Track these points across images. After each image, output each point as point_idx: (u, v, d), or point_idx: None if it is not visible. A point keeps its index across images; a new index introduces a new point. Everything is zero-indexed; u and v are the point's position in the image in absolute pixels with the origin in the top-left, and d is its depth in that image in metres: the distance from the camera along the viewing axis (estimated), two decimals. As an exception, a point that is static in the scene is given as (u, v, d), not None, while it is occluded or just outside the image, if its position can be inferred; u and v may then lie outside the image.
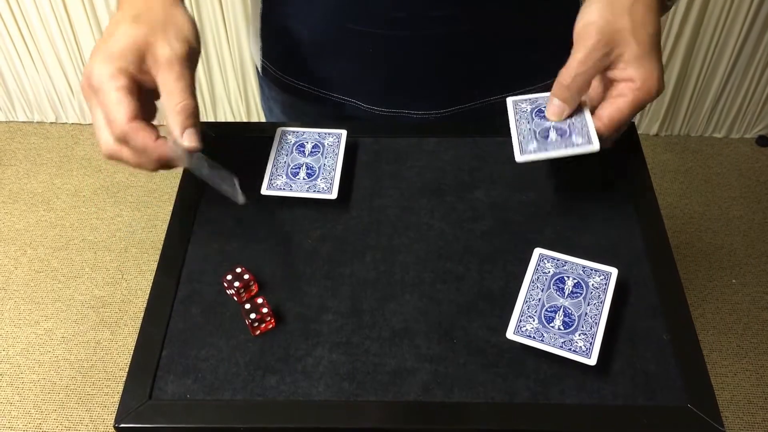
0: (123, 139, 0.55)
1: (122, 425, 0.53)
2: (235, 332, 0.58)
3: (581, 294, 0.57)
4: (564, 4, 0.75)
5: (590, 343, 0.54)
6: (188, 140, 0.56)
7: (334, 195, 0.65)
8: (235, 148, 0.72)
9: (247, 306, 0.57)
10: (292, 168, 0.67)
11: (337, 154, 0.68)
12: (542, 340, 0.55)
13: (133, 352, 0.57)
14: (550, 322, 0.56)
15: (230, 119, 2.12)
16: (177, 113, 0.55)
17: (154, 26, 0.55)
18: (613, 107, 0.58)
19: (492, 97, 0.78)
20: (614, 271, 0.58)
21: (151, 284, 0.61)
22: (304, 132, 0.70)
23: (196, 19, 1.87)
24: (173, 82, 0.55)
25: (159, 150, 0.56)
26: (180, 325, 0.58)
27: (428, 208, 0.66)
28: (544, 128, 0.61)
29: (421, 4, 0.69)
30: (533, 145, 0.60)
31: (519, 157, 0.60)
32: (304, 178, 0.66)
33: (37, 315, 1.70)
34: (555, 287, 0.58)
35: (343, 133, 0.69)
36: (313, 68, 0.79)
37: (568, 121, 0.61)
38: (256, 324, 0.57)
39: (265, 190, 0.65)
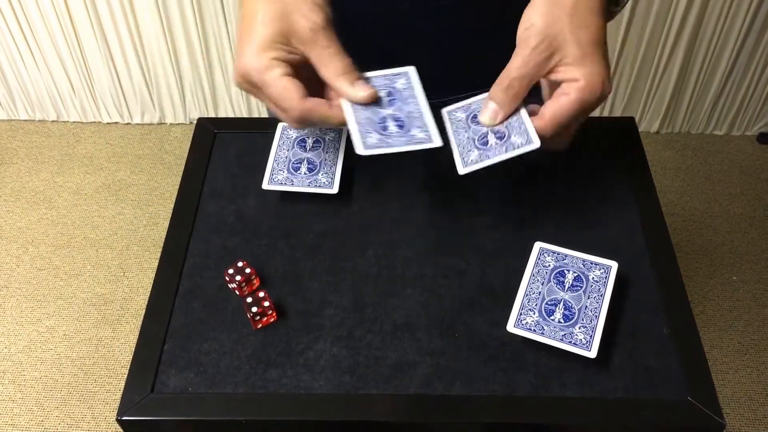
0: (302, 121, 0.58)
1: (125, 418, 0.53)
2: (236, 326, 0.58)
3: (581, 287, 0.57)
4: None
5: (590, 336, 0.54)
6: (363, 94, 0.59)
7: (335, 190, 0.65)
8: (237, 143, 0.72)
9: (249, 300, 0.57)
10: (293, 163, 0.67)
11: (338, 149, 0.68)
12: (542, 333, 0.55)
13: (136, 346, 0.57)
14: (551, 315, 0.56)
15: (231, 115, 2.12)
16: (338, 77, 0.57)
17: (286, 4, 0.56)
18: (556, 105, 0.57)
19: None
20: (614, 265, 0.58)
21: (152, 282, 0.61)
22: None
23: (197, 16, 1.87)
24: (322, 52, 0.57)
25: (337, 117, 0.59)
26: (182, 319, 0.58)
27: (430, 203, 0.66)
28: (482, 134, 0.60)
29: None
30: (474, 154, 0.59)
31: (462, 170, 0.58)
32: (305, 173, 0.66)
33: (38, 312, 1.71)
34: (555, 281, 0.58)
35: (344, 128, 0.69)
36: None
37: (505, 122, 0.59)
38: (258, 318, 0.57)
39: (266, 185, 0.65)
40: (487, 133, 0.59)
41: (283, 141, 0.69)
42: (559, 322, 0.55)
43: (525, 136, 0.57)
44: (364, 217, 0.65)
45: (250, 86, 0.58)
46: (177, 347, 0.57)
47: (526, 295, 0.57)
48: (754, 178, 1.99)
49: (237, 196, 0.67)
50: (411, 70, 0.63)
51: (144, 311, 0.59)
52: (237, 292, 0.59)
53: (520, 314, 0.56)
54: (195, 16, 1.88)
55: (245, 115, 2.12)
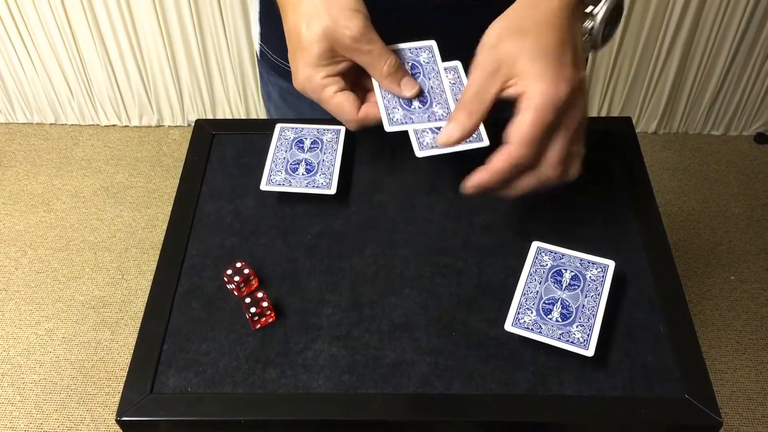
0: (361, 127, 0.63)
1: (124, 419, 0.53)
2: (235, 326, 0.58)
3: (579, 286, 0.58)
4: None
5: (588, 335, 0.55)
6: (407, 91, 0.62)
7: (333, 190, 0.65)
8: (235, 144, 0.72)
9: (248, 300, 0.57)
10: (291, 163, 0.67)
11: (335, 150, 0.68)
12: (540, 332, 0.55)
13: (135, 347, 0.57)
14: (548, 314, 0.56)
15: (229, 117, 2.12)
16: (384, 77, 0.61)
17: (324, 18, 0.59)
18: (515, 127, 0.55)
19: None
20: (611, 264, 0.59)
21: (151, 284, 0.61)
22: (302, 128, 0.70)
23: (195, 18, 1.87)
24: (365, 57, 0.60)
25: None
26: (181, 320, 0.59)
27: (427, 202, 0.66)
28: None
29: None
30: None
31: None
32: (303, 174, 0.66)
33: (37, 315, 1.71)
34: (553, 280, 0.58)
35: (342, 128, 0.70)
36: None
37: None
38: (257, 318, 0.57)
39: (264, 186, 0.66)
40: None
41: (281, 142, 0.69)
42: (557, 321, 0.56)
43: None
44: (361, 218, 0.65)
45: (311, 95, 0.62)
46: (176, 347, 0.57)
47: (523, 294, 0.57)
48: (752, 178, 1.99)
49: (235, 197, 0.68)
50: (433, 44, 0.65)
51: (143, 313, 0.59)
52: (236, 293, 0.59)
53: (518, 313, 0.56)
54: (192, 19, 1.88)
55: (243, 117, 2.12)
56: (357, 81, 0.63)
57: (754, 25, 1.84)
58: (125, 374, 0.56)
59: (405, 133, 0.72)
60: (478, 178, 0.57)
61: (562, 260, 0.59)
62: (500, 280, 0.60)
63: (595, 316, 0.56)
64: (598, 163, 0.68)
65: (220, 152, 0.72)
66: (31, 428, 1.52)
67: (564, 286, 0.58)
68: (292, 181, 0.66)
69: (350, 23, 0.58)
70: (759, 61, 1.92)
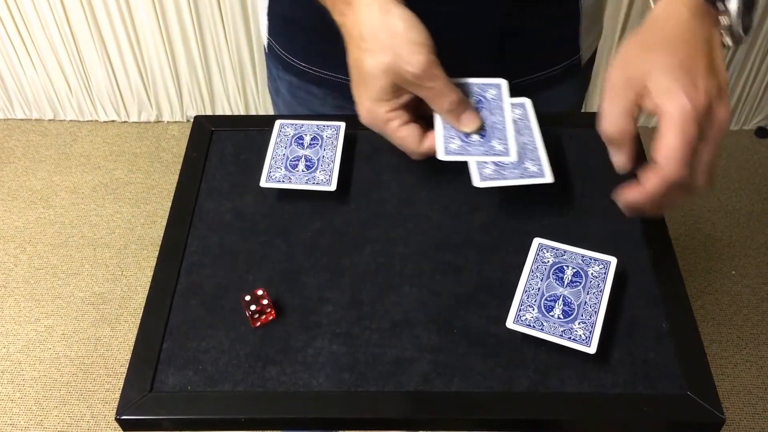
0: (425, 158, 0.63)
1: (123, 417, 0.53)
2: (235, 324, 0.58)
3: (580, 283, 0.57)
4: (564, 1, 0.76)
5: (590, 332, 0.54)
6: (467, 126, 0.62)
7: (333, 187, 0.65)
8: (234, 140, 0.72)
9: (247, 298, 0.57)
10: (290, 160, 0.67)
11: (335, 146, 0.68)
12: (542, 329, 0.55)
13: (134, 345, 0.57)
14: (550, 311, 0.56)
15: (228, 113, 2.11)
16: (445, 113, 0.61)
17: (387, 54, 0.58)
18: (662, 149, 0.53)
19: None
20: (613, 260, 0.58)
21: (150, 280, 0.61)
22: (302, 124, 0.70)
23: (194, 14, 1.87)
24: (428, 92, 0.60)
25: None
26: (180, 318, 0.58)
27: (427, 199, 0.66)
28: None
29: None
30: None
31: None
32: (303, 170, 0.66)
33: (37, 312, 1.70)
34: (554, 276, 0.58)
35: (342, 125, 0.69)
36: (318, 49, 0.79)
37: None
38: (256, 316, 0.57)
39: (264, 183, 0.65)
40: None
41: (280, 138, 0.69)
42: (559, 318, 0.55)
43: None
44: (361, 215, 0.65)
45: (375, 127, 0.62)
46: (176, 345, 0.57)
47: (525, 291, 0.57)
48: (752, 172, 1.99)
49: (235, 193, 0.67)
50: (503, 83, 0.65)
51: (142, 309, 0.59)
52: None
53: (520, 310, 0.56)
54: (191, 14, 1.87)
55: (242, 113, 2.12)
56: (421, 108, 0.63)
57: (756, 20, 1.83)
58: (125, 371, 0.55)
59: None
60: (632, 199, 0.56)
61: (564, 257, 0.59)
62: (500, 277, 0.60)
63: (597, 312, 0.55)
64: (599, 158, 0.68)
65: (220, 148, 0.72)
66: (31, 425, 1.52)
67: (566, 283, 0.57)
68: (291, 177, 0.65)
69: (414, 59, 0.58)
70: (760, 55, 1.92)
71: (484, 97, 0.65)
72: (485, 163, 0.61)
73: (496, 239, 0.63)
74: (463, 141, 0.62)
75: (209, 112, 2.13)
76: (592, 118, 0.84)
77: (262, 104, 2.09)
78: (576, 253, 0.59)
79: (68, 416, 1.53)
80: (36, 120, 2.18)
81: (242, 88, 2.05)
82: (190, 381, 0.55)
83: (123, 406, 0.53)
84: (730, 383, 1.56)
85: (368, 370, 0.55)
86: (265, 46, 0.87)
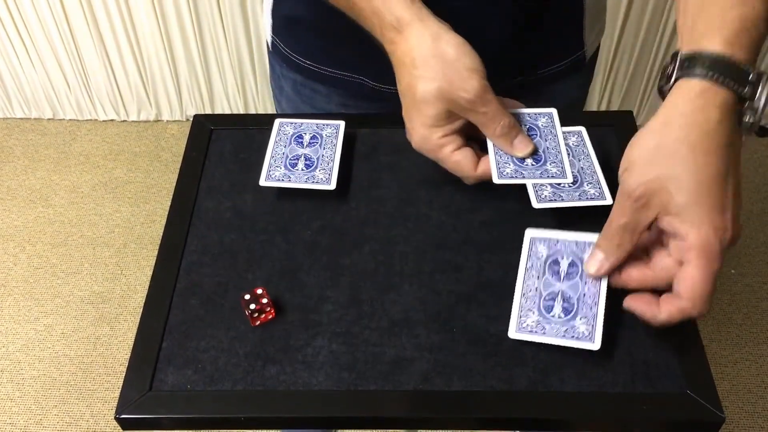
0: (479, 182, 0.63)
1: (123, 416, 0.53)
2: (234, 323, 0.58)
3: (577, 273, 0.57)
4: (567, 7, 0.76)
5: (592, 327, 0.54)
6: (520, 151, 0.62)
7: (332, 186, 0.65)
8: (234, 139, 0.72)
9: (247, 296, 0.57)
10: (290, 159, 0.67)
11: (335, 145, 0.68)
12: (544, 333, 0.55)
13: (134, 344, 0.57)
14: (550, 312, 0.56)
15: (228, 112, 2.11)
16: (497, 137, 0.62)
17: (440, 80, 0.58)
18: (687, 282, 0.51)
19: (496, 82, 0.78)
20: None
21: (150, 279, 0.61)
22: (302, 123, 0.70)
23: (193, 13, 1.87)
24: (481, 118, 0.60)
25: None
26: (180, 317, 0.58)
27: (427, 198, 0.66)
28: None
29: None
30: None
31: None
32: (302, 169, 0.66)
33: (36, 311, 1.70)
34: (550, 271, 0.58)
35: (341, 123, 0.69)
36: (322, 46, 0.79)
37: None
38: (256, 315, 0.57)
39: (263, 182, 0.65)
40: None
41: (280, 137, 0.69)
42: (560, 317, 0.55)
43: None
44: (361, 213, 0.65)
45: (428, 152, 0.62)
46: (175, 345, 0.57)
47: (523, 294, 0.57)
48: (752, 171, 1.99)
49: (234, 192, 0.67)
50: (554, 112, 0.66)
51: (142, 309, 0.59)
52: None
53: (520, 317, 0.56)
54: (191, 12, 1.87)
55: (242, 112, 2.11)
56: (474, 132, 0.63)
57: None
58: (125, 370, 0.55)
59: (405, 130, 0.72)
60: (642, 315, 0.53)
61: (557, 246, 0.59)
62: (500, 276, 0.60)
63: (597, 304, 0.55)
64: (598, 158, 0.68)
65: (219, 147, 0.71)
66: (31, 424, 1.52)
67: (562, 277, 0.57)
68: (291, 176, 0.65)
69: (467, 85, 0.58)
70: (759, 56, 1.91)
71: (536, 125, 0.66)
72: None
73: (496, 238, 0.63)
74: (516, 165, 0.62)
75: (209, 111, 2.13)
76: (592, 116, 0.84)
77: (261, 103, 2.09)
78: (569, 241, 0.59)
79: (68, 415, 1.53)
80: (35, 119, 2.18)
81: (241, 86, 2.05)
82: (189, 380, 0.55)
83: (122, 405, 0.53)
84: (730, 382, 1.56)
85: (368, 369, 0.55)
86: (269, 45, 0.87)
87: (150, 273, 0.61)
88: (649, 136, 0.53)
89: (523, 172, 0.62)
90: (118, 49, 1.98)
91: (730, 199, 0.51)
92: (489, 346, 0.56)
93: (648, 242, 0.55)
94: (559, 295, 0.56)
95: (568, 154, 0.64)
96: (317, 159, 0.67)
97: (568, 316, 0.55)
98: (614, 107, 2.05)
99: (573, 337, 0.54)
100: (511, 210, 0.65)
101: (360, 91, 0.80)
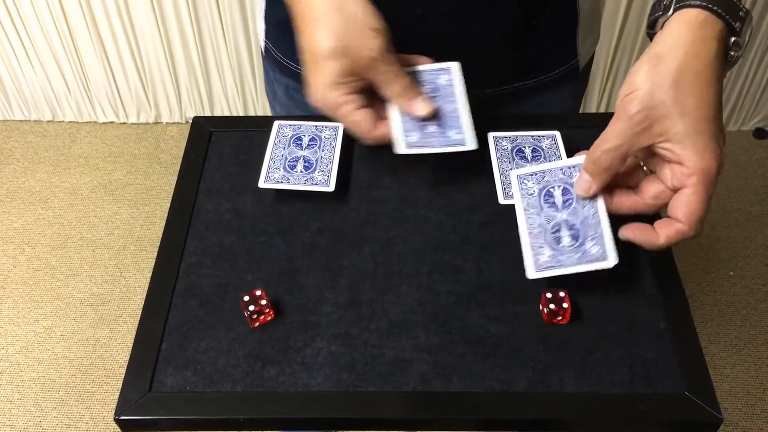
0: (377, 143, 0.64)
1: (122, 417, 0.53)
2: (234, 324, 0.58)
3: (572, 199, 0.57)
4: (562, 6, 0.76)
5: (602, 245, 0.55)
6: (420, 110, 0.63)
7: (331, 187, 0.65)
8: (233, 141, 0.72)
9: (246, 298, 0.57)
10: (289, 161, 0.67)
11: (334, 147, 0.68)
12: (561, 265, 0.55)
13: (133, 345, 0.57)
14: (560, 243, 0.56)
15: (227, 114, 2.11)
16: (398, 97, 0.62)
17: (343, 37, 0.58)
18: (686, 205, 0.53)
19: (487, 90, 0.78)
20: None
21: (149, 281, 0.61)
22: (301, 125, 0.70)
23: (193, 15, 1.87)
24: (382, 76, 0.61)
25: None
26: (179, 318, 0.58)
27: (426, 199, 0.66)
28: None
29: None
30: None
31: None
32: (301, 171, 0.66)
33: (36, 313, 1.70)
34: (546, 204, 0.58)
35: (340, 125, 0.69)
36: None
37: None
38: (255, 316, 0.57)
39: (262, 183, 0.65)
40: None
41: (279, 139, 0.69)
42: (570, 245, 0.56)
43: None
44: (360, 215, 0.65)
45: (328, 111, 0.62)
46: (174, 346, 0.57)
47: (530, 233, 0.57)
48: (751, 173, 1.99)
49: (233, 194, 0.67)
50: (454, 66, 0.65)
51: (141, 311, 0.59)
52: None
53: (534, 257, 0.56)
54: (190, 14, 1.87)
55: (241, 113, 2.12)
56: (376, 96, 0.63)
57: (754, 20, 1.83)
58: (124, 371, 0.55)
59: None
60: (640, 241, 0.55)
61: (545, 177, 0.59)
62: (500, 277, 0.60)
63: (600, 222, 0.56)
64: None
65: (218, 149, 0.72)
66: (30, 426, 1.52)
67: (560, 206, 0.57)
68: (290, 178, 0.66)
69: (370, 43, 0.59)
70: (758, 55, 1.92)
71: (437, 83, 0.65)
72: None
73: (495, 239, 0.63)
74: (421, 132, 0.62)
75: (208, 113, 2.13)
76: (589, 119, 0.85)
77: (260, 105, 2.09)
78: (555, 169, 0.59)
79: (67, 417, 1.53)
80: (35, 121, 2.18)
81: (241, 88, 2.05)
82: (188, 381, 0.55)
83: (122, 407, 0.53)
84: (729, 384, 1.56)
85: (367, 370, 0.55)
86: (263, 50, 0.87)
87: (149, 275, 0.61)
88: (652, 63, 0.53)
89: (427, 140, 0.62)
90: (118, 51, 1.98)
91: (721, 128, 0.53)
92: (488, 347, 0.56)
93: (631, 173, 0.58)
94: (563, 225, 0.57)
95: (539, 156, 0.64)
96: (316, 161, 0.67)
97: (578, 242, 0.55)
98: (613, 109, 2.06)
99: (588, 260, 0.55)
100: (510, 211, 0.65)
101: None
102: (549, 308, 0.56)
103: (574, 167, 0.58)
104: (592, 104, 2.06)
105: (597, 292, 0.59)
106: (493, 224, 0.64)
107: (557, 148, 0.66)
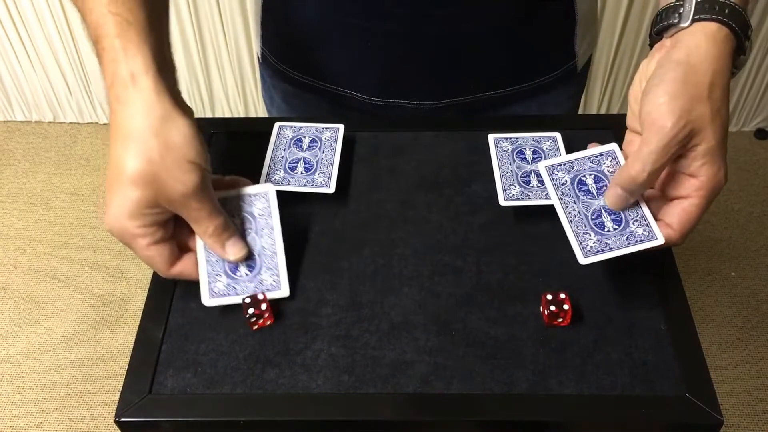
0: (172, 278, 0.58)
1: (123, 419, 0.53)
2: (234, 326, 0.58)
3: (605, 186, 0.58)
4: (560, 8, 0.76)
5: (647, 225, 0.55)
6: (232, 255, 0.58)
7: (332, 189, 0.65)
8: (233, 143, 0.72)
9: (247, 300, 0.57)
10: (289, 162, 0.67)
11: (334, 149, 0.68)
12: (610, 249, 0.55)
13: (133, 347, 0.57)
14: (604, 228, 0.56)
15: (228, 115, 2.12)
16: (209, 237, 0.57)
17: (156, 164, 0.52)
18: (683, 214, 0.54)
19: (486, 93, 0.78)
20: (615, 146, 0.59)
21: (150, 282, 0.61)
22: (301, 126, 0.70)
23: (194, 16, 1.87)
24: (193, 214, 0.55)
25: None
26: (179, 320, 0.58)
27: (426, 201, 0.66)
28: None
29: (423, 2, 0.69)
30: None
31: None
32: (302, 173, 0.66)
33: (37, 314, 1.70)
34: (582, 192, 0.58)
35: (341, 127, 0.69)
36: (311, 59, 0.79)
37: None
38: (254, 319, 0.57)
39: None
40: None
41: (279, 141, 0.69)
42: (615, 229, 0.56)
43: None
44: (360, 217, 0.65)
45: (122, 241, 0.56)
46: (175, 348, 0.57)
47: (570, 222, 0.57)
48: (752, 173, 1.99)
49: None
50: (270, 190, 0.61)
51: (141, 312, 0.59)
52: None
53: (581, 243, 0.56)
54: (191, 16, 1.87)
55: (242, 115, 2.12)
56: (180, 228, 0.58)
57: (754, 20, 1.83)
58: (125, 373, 0.55)
59: (404, 134, 0.72)
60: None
61: (574, 167, 0.59)
62: (500, 279, 0.60)
63: (639, 204, 0.56)
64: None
65: (219, 151, 0.72)
66: (31, 427, 1.52)
67: (596, 193, 0.58)
68: (290, 179, 0.66)
69: (185, 177, 0.52)
70: (759, 56, 1.92)
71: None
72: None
73: (495, 241, 0.63)
74: (229, 278, 0.58)
75: (209, 115, 2.13)
76: (590, 120, 0.85)
77: (261, 107, 2.09)
78: (582, 158, 0.60)
79: (68, 418, 1.53)
80: (36, 122, 2.18)
81: (241, 90, 2.05)
82: (189, 383, 0.55)
83: (122, 408, 0.53)
84: (730, 385, 1.56)
85: (367, 372, 0.55)
86: (259, 57, 0.87)
87: (150, 276, 0.61)
88: (681, 71, 0.52)
89: (236, 286, 0.57)
90: (119, 53, 1.98)
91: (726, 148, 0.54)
92: (488, 349, 0.56)
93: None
94: (603, 211, 0.57)
95: (540, 157, 0.64)
96: (316, 162, 0.67)
97: (622, 226, 0.56)
98: (614, 110, 2.06)
99: (637, 241, 0.55)
100: (510, 213, 0.65)
101: (349, 104, 0.80)
102: (549, 310, 0.56)
103: (601, 155, 0.59)
104: (593, 105, 2.06)
105: (597, 294, 0.59)
106: (494, 226, 0.64)
107: (558, 149, 0.66)
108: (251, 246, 0.59)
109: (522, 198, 0.63)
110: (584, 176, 0.58)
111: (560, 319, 0.56)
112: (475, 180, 0.67)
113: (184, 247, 0.59)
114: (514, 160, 0.66)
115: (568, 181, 0.58)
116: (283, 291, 0.58)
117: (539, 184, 0.63)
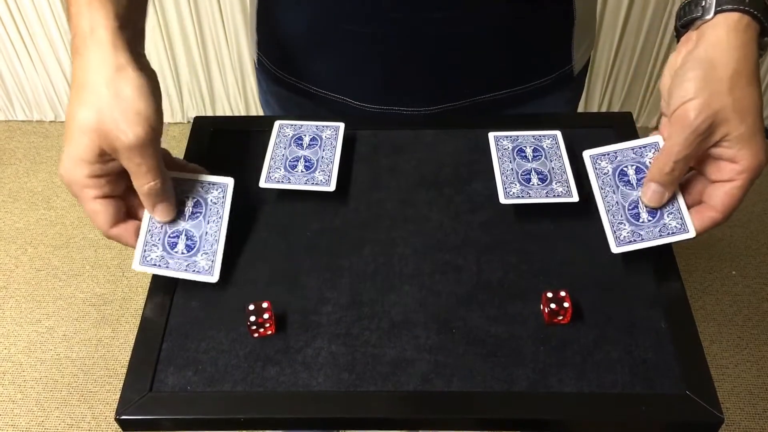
0: (110, 238, 0.59)
1: (123, 417, 0.53)
2: (234, 325, 0.58)
3: (636, 177, 0.59)
4: (558, 10, 0.76)
5: (681, 218, 0.57)
6: (160, 216, 0.60)
7: (332, 187, 0.65)
8: (234, 141, 0.72)
9: (251, 307, 0.56)
10: (290, 161, 0.67)
11: (335, 147, 0.68)
12: (642, 239, 0.57)
13: (134, 345, 0.57)
14: (639, 219, 0.58)
15: (228, 114, 2.12)
16: (144, 195, 0.58)
17: (103, 113, 0.53)
18: (726, 196, 0.56)
19: (482, 96, 0.78)
20: (659, 138, 0.60)
21: (150, 281, 0.61)
22: (302, 125, 0.70)
23: (194, 15, 1.87)
24: (134, 168, 0.56)
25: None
26: (180, 318, 0.58)
27: (426, 200, 0.66)
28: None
29: (421, 6, 0.69)
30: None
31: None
32: (302, 171, 0.66)
33: (38, 313, 1.71)
34: (621, 182, 0.60)
35: (341, 125, 0.69)
36: (306, 65, 0.79)
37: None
38: (254, 327, 0.56)
39: (263, 183, 0.65)
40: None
41: (280, 139, 0.69)
42: (649, 220, 0.57)
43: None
44: (361, 215, 0.65)
45: (71, 192, 0.57)
46: (175, 346, 0.57)
47: (608, 211, 0.58)
48: (753, 172, 1.99)
49: (234, 193, 0.67)
50: (229, 182, 0.63)
51: (142, 311, 0.59)
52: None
53: (615, 233, 0.57)
54: (192, 14, 1.87)
55: (242, 114, 2.12)
56: (134, 195, 0.59)
57: None
58: (126, 371, 0.55)
59: (404, 132, 0.72)
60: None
61: (618, 157, 0.60)
62: (500, 278, 0.60)
63: (675, 196, 0.58)
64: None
65: (219, 150, 0.72)
66: (33, 426, 1.52)
67: (635, 185, 0.59)
68: (291, 178, 0.66)
69: (130, 129, 0.53)
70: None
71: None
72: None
73: (496, 239, 0.63)
74: (165, 251, 0.59)
75: (209, 113, 2.13)
76: (590, 119, 0.85)
77: (261, 106, 2.09)
78: (627, 149, 0.60)
79: (69, 417, 1.53)
80: (37, 121, 2.18)
81: (242, 89, 2.06)
82: (189, 381, 0.55)
83: (123, 407, 0.53)
84: (731, 384, 1.56)
85: (367, 370, 0.55)
86: (255, 61, 0.87)
87: (151, 275, 0.61)
88: (704, 68, 0.55)
89: (169, 260, 0.58)
90: (120, 52, 1.98)
91: (764, 132, 0.56)
92: (489, 347, 0.56)
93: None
94: (640, 202, 0.58)
95: (540, 155, 0.65)
96: (317, 161, 0.67)
97: (656, 218, 0.57)
98: (615, 109, 2.06)
99: (669, 233, 0.57)
100: (510, 211, 0.65)
101: (344, 110, 0.80)
102: (550, 308, 0.56)
103: (645, 147, 0.60)
104: (593, 105, 2.06)
105: (597, 292, 0.59)
106: (494, 224, 0.64)
107: (558, 147, 0.66)
108: (196, 229, 0.60)
109: (522, 196, 0.63)
110: (626, 167, 0.60)
111: (560, 317, 0.56)
112: (475, 178, 0.67)
113: (133, 215, 0.60)
114: (515, 159, 0.66)
115: (610, 171, 0.60)
116: (214, 277, 0.59)
117: (539, 182, 0.63)
